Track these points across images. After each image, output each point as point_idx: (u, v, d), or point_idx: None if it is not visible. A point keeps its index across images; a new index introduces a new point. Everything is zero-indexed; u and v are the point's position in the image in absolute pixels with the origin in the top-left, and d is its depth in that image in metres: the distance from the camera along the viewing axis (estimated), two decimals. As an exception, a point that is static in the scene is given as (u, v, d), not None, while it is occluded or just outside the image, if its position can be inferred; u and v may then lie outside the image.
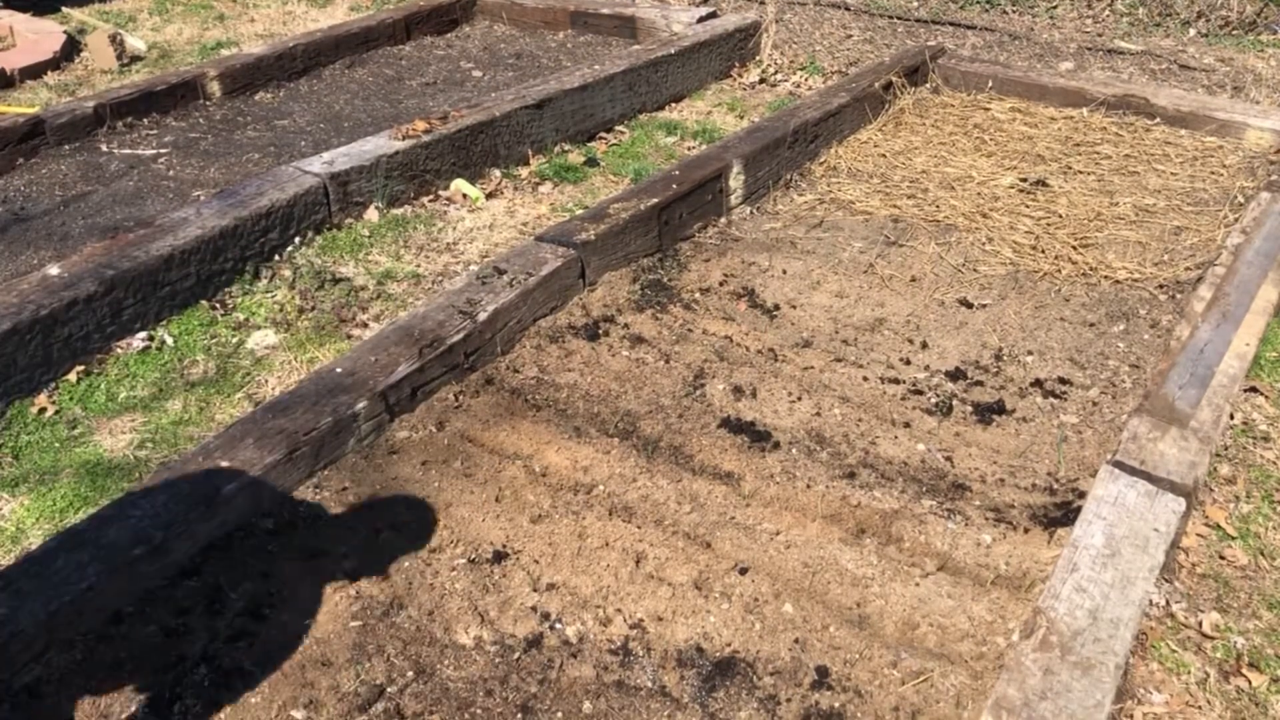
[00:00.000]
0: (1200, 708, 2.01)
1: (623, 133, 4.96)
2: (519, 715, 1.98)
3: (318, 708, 1.98)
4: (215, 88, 5.04)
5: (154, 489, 2.33)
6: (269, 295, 3.43)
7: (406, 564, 2.33)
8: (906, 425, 2.84)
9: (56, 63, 5.53)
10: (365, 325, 3.29)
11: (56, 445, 2.75)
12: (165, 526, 2.23)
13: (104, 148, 4.49)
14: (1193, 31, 5.80)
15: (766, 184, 4.23)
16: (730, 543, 2.40)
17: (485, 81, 5.48)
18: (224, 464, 2.41)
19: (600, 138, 4.90)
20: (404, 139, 4.08)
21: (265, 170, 4.09)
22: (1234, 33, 5.77)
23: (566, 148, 4.71)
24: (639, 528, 2.45)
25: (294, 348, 3.16)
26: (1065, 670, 1.90)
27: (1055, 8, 6.19)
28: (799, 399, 2.94)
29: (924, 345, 3.22)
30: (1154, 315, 3.39)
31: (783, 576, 2.31)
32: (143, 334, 3.19)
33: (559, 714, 1.99)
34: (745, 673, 2.07)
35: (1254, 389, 2.96)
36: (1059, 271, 3.64)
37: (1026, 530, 2.46)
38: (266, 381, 3.01)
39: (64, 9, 6.53)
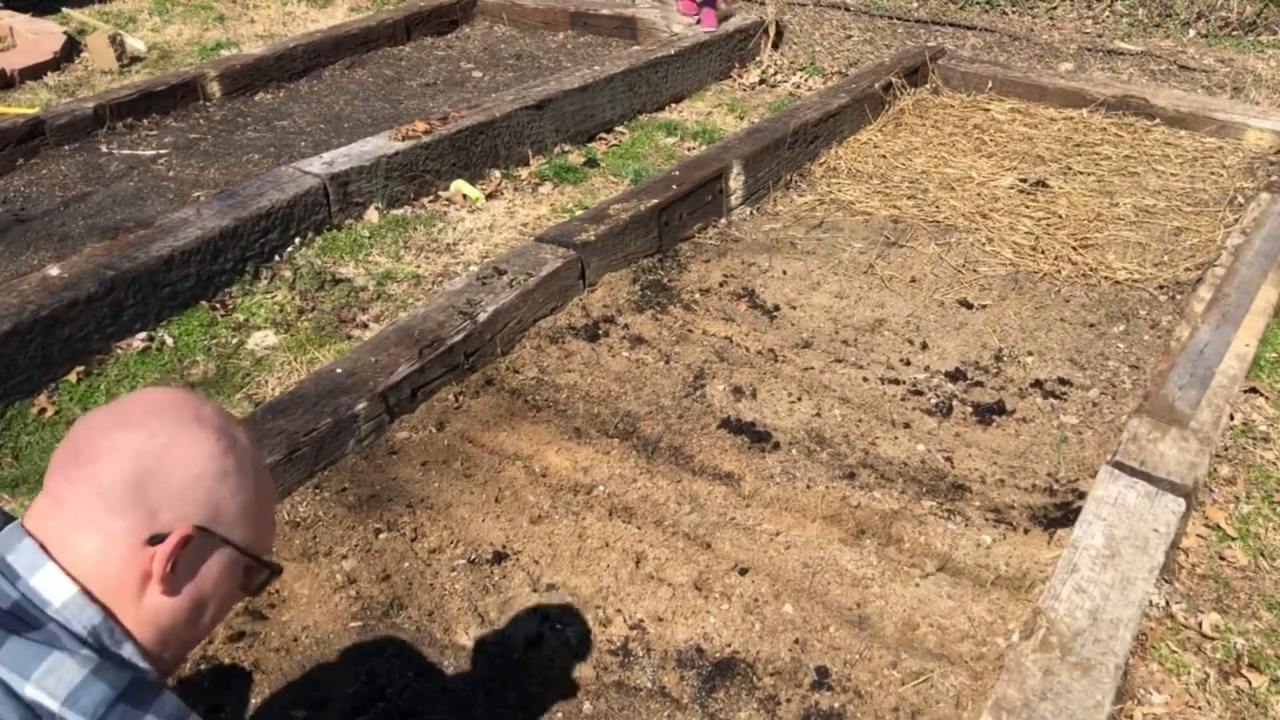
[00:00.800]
0: (1200, 708, 2.01)
1: (623, 133, 4.96)
2: (519, 716, 1.98)
3: (318, 708, 1.98)
4: (215, 88, 5.04)
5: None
6: (269, 296, 3.43)
7: (406, 564, 2.33)
8: (906, 426, 2.84)
9: (56, 63, 5.54)
10: (365, 326, 3.29)
11: (57, 446, 2.75)
12: (165, 527, 2.22)
13: (104, 148, 4.49)
14: (1192, 32, 5.80)
15: (766, 184, 4.23)
16: (730, 543, 2.40)
17: (485, 82, 5.48)
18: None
19: (600, 138, 4.90)
20: (404, 140, 4.08)
21: (265, 171, 4.09)
22: (1234, 33, 5.77)
23: (566, 148, 4.71)
24: (639, 528, 2.45)
25: (294, 348, 3.16)
26: (1065, 671, 1.90)
27: (1055, 8, 6.19)
28: (799, 399, 2.94)
29: (924, 346, 3.22)
30: (1154, 316, 3.39)
31: (783, 577, 2.31)
32: (143, 334, 3.19)
33: (559, 714, 1.99)
34: (745, 673, 2.07)
35: (1254, 389, 2.96)
36: (1059, 272, 3.64)
37: (1026, 531, 2.46)
38: (266, 382, 3.01)
39: (64, 9, 6.53)
